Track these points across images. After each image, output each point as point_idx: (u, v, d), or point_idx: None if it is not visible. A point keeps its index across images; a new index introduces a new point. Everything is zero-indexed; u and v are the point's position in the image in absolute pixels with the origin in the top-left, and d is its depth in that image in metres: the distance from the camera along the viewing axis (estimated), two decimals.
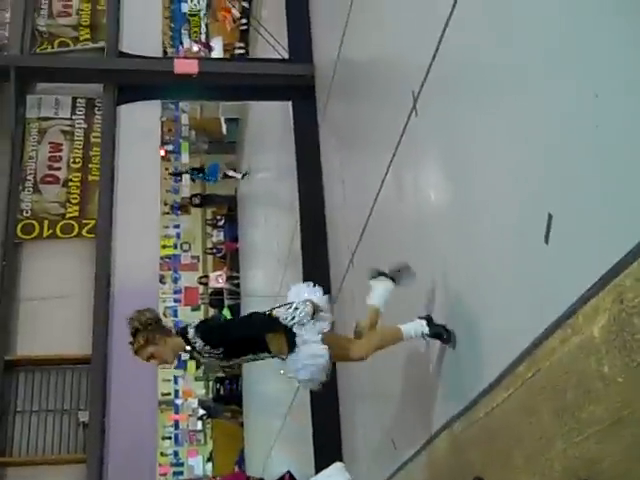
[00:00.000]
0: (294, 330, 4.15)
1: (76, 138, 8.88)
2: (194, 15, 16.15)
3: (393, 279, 4.72)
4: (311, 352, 4.15)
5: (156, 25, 10.10)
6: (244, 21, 15.27)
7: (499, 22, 3.79)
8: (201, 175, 19.25)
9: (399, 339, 4.56)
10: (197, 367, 19.19)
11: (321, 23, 9.29)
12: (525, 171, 3.46)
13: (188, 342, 4.20)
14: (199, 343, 4.17)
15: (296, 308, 4.19)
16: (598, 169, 2.84)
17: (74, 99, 9.05)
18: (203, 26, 16.05)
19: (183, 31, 15.39)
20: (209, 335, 4.25)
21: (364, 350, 4.55)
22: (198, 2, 16.28)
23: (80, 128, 8.94)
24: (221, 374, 19.24)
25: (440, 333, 4.49)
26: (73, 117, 8.99)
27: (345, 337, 4.79)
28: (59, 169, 8.72)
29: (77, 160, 8.79)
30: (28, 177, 8.59)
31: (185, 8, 15.45)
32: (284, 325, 4.16)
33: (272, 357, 4.29)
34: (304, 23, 9.77)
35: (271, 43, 9.93)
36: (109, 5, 9.47)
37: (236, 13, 15.28)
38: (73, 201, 8.59)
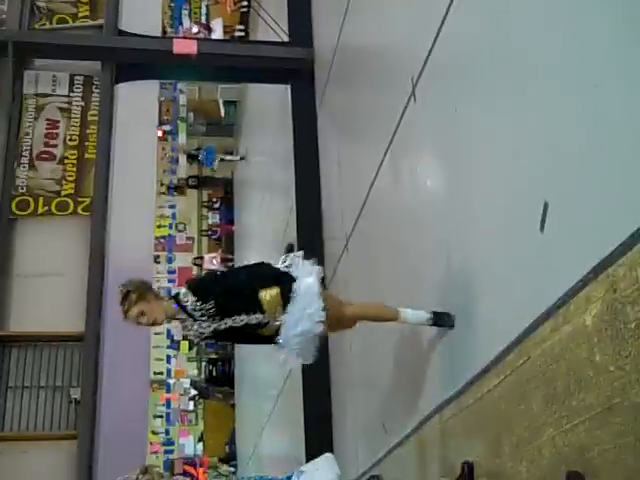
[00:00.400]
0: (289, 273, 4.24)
1: (73, 115, 8.89)
2: None
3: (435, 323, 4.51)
4: (307, 299, 4.15)
5: (156, 4, 10.07)
6: (245, 3, 15.21)
7: (500, 9, 3.78)
8: (196, 158, 19.22)
9: (394, 317, 4.46)
10: (190, 347, 19.25)
11: (322, 7, 9.26)
12: (522, 159, 3.47)
13: (180, 304, 4.19)
14: (190, 300, 4.16)
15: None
16: (595, 158, 2.85)
17: (72, 76, 9.04)
18: (203, 7, 15.99)
19: (183, 11, 15.32)
20: (200, 287, 4.30)
21: (357, 309, 4.55)
22: None
23: (77, 106, 8.94)
24: (213, 355, 19.29)
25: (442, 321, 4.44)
26: (71, 94, 8.98)
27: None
28: (55, 146, 8.74)
29: (74, 138, 8.81)
30: (24, 153, 8.60)
31: None
32: (279, 275, 4.25)
33: (265, 322, 4.22)
34: (305, 7, 9.73)
35: (271, 26, 9.90)
36: None
37: None
38: (69, 178, 8.62)
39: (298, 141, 9.23)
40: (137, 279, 4.27)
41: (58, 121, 8.82)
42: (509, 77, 3.68)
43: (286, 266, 4.34)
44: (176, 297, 4.23)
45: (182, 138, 18.05)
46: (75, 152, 8.73)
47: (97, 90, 9.01)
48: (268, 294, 4.21)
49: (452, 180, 4.51)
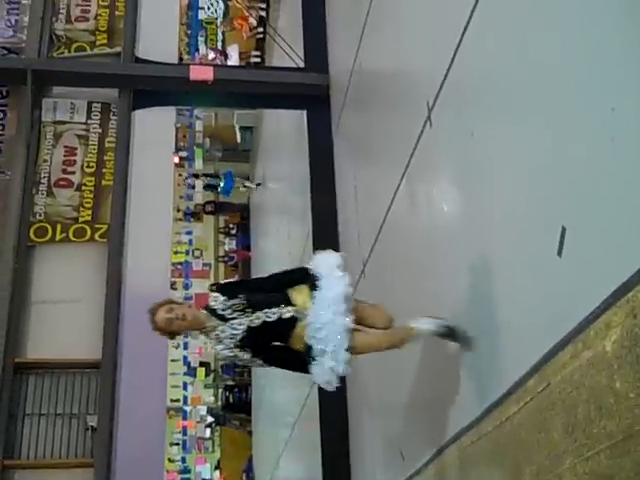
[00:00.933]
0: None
1: (91, 142, 8.92)
2: (211, 23, 16.18)
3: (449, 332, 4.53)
4: (333, 294, 4.17)
5: (173, 32, 10.12)
6: (261, 30, 15.32)
7: (516, 34, 3.77)
8: (216, 189, 19.31)
9: (411, 335, 4.45)
10: (207, 374, 19.19)
11: (337, 33, 9.30)
12: (539, 183, 3.44)
13: (209, 309, 4.19)
14: (219, 300, 4.17)
15: None
16: (613, 182, 2.82)
17: (89, 104, 9.09)
18: (219, 34, 16.08)
19: (199, 38, 15.42)
20: (227, 287, 4.35)
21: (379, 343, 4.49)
22: (215, 10, 16.31)
23: (95, 133, 8.99)
24: (230, 382, 19.22)
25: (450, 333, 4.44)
26: (88, 122, 9.03)
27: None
28: (73, 173, 8.75)
29: (91, 164, 8.83)
30: (42, 180, 8.62)
31: (202, 15, 15.47)
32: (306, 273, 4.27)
33: (296, 314, 4.21)
34: (320, 33, 9.78)
35: (287, 52, 9.94)
36: (127, 11, 9.51)
37: (253, 22, 15.34)
38: (86, 205, 8.62)
39: (314, 166, 9.25)
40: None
41: (76, 148, 8.86)
42: (526, 101, 3.67)
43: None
44: (205, 306, 4.25)
45: (199, 164, 18.10)
46: (92, 179, 8.75)
47: (114, 117, 9.06)
48: (296, 291, 4.26)
49: (469, 204, 4.48)
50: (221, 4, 16.25)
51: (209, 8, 16.30)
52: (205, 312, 4.21)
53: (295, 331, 4.21)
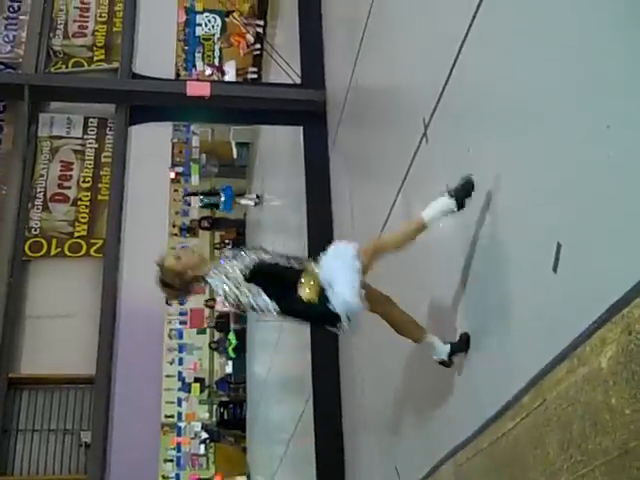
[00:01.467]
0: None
1: (87, 157, 8.96)
2: (208, 39, 16.26)
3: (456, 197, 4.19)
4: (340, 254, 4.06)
5: (170, 48, 10.17)
6: (258, 46, 15.38)
7: (512, 51, 3.79)
8: (217, 207, 19.30)
9: (422, 227, 4.25)
10: (201, 390, 19.13)
11: (334, 50, 9.33)
12: (534, 199, 3.45)
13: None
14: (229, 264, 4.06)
15: None
16: (608, 198, 2.83)
17: (86, 119, 9.13)
18: (217, 50, 16.16)
19: (196, 54, 15.48)
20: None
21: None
22: (212, 26, 16.39)
23: (91, 148, 9.03)
24: (225, 398, 19.14)
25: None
26: (85, 137, 9.07)
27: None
28: (69, 188, 8.78)
29: (87, 179, 8.86)
30: (38, 195, 8.64)
31: (199, 32, 15.55)
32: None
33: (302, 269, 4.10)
34: (317, 49, 9.81)
35: (284, 68, 9.98)
36: (125, 27, 9.54)
37: (250, 38, 15.39)
38: (82, 220, 8.64)
39: (310, 182, 9.25)
40: None
41: (72, 163, 8.88)
42: (522, 118, 3.68)
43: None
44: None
45: (195, 179, 18.14)
46: (88, 194, 8.76)
47: (111, 132, 9.09)
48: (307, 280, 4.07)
49: (465, 220, 4.48)
50: (218, 20, 16.33)
51: (206, 24, 16.39)
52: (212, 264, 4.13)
53: (303, 280, 4.06)
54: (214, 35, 16.47)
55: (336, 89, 8.89)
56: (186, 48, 14.56)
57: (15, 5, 9.41)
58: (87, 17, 9.75)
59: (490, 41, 4.11)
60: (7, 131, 8.80)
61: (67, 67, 9.36)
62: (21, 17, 9.38)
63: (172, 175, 16.14)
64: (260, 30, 15.00)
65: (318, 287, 4.00)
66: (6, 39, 9.18)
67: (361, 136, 7.64)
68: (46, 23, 9.37)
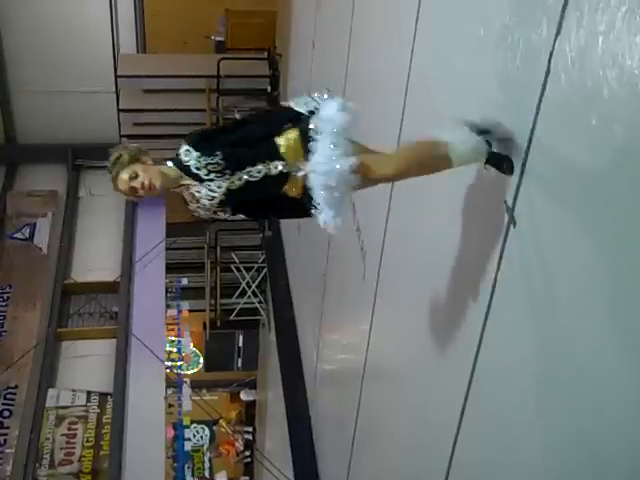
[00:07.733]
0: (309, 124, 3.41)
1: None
2: (197, 451, 16.32)
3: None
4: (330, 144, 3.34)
5: (159, 468, 10.04)
6: (248, 453, 15.37)
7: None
8: None
9: (444, 156, 3.44)
10: None
11: (326, 452, 9.28)
12: None
13: (181, 165, 3.46)
14: (192, 156, 3.43)
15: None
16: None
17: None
18: (206, 461, 16.18)
19: (186, 469, 15.39)
20: (202, 139, 3.52)
21: (396, 163, 3.55)
22: (201, 437, 16.54)
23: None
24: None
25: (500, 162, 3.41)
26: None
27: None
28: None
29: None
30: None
31: (188, 446, 15.64)
32: (297, 115, 3.47)
33: (287, 172, 3.45)
34: (309, 453, 9.77)
35: (276, 475, 9.85)
36: (112, 450, 9.54)
37: (239, 446, 15.44)
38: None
39: None
40: (132, 144, 3.60)
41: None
42: None
43: (309, 110, 3.51)
44: (175, 158, 3.50)
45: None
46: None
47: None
48: (285, 138, 3.47)
49: None
50: (207, 430, 16.56)
51: (194, 436, 16.51)
52: (175, 168, 3.51)
53: (287, 187, 3.51)
54: (203, 445, 16.60)
55: None
56: (175, 465, 14.54)
57: (1, 439, 9.48)
58: (74, 443, 9.89)
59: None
60: None
61: None
62: (7, 450, 9.40)
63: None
64: (249, 437, 15.09)
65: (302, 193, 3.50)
66: None
67: None
68: (32, 455, 9.39)
